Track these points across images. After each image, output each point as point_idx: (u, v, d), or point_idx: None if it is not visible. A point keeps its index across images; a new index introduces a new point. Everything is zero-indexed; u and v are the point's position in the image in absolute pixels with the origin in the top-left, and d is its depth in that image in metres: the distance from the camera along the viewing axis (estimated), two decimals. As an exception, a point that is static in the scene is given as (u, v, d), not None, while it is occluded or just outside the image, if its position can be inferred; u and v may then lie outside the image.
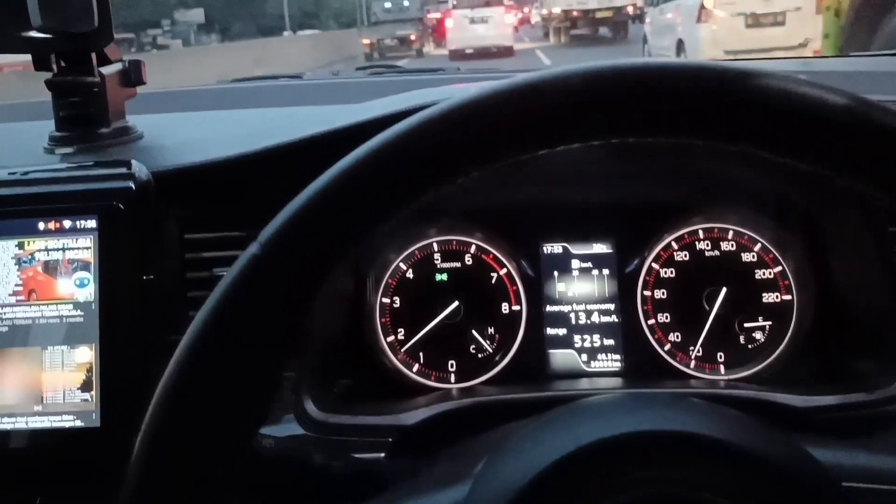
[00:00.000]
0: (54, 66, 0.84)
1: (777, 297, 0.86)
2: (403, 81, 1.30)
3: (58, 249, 0.71)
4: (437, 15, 26.31)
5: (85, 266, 0.71)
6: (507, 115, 0.38)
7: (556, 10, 21.99)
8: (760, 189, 0.87)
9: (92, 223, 0.71)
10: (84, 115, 0.84)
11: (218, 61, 16.79)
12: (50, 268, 0.71)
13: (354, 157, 0.39)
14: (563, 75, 0.38)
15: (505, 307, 0.88)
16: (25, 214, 0.71)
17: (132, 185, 0.72)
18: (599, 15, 21.87)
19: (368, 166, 0.39)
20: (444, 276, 0.89)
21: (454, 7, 21.18)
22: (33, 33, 0.79)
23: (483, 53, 19.61)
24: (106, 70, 0.86)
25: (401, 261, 0.89)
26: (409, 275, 0.89)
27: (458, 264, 0.89)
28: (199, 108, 1.20)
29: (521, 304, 0.88)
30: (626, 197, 0.90)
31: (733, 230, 0.88)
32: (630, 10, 21.64)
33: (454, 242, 0.89)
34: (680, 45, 9.77)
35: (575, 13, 21.86)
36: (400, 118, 0.39)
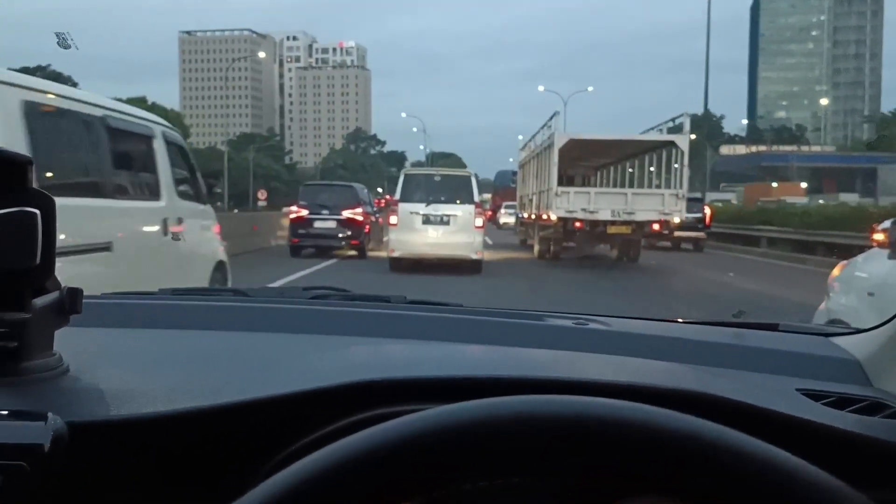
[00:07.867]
0: None
1: None
2: (344, 314, 1.29)
3: None
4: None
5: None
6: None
7: (553, 216, 15.82)
8: None
9: None
10: (9, 350, 0.81)
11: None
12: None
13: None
14: None
15: None
16: None
17: (45, 442, 0.67)
18: (612, 230, 16.02)
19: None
20: None
21: (400, 200, 13.72)
22: None
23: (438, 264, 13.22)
24: (40, 301, 0.84)
25: None
26: None
27: None
28: (133, 325, 1.19)
29: None
30: None
31: None
32: (657, 227, 16.04)
33: None
34: None
35: (577, 224, 15.92)
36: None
